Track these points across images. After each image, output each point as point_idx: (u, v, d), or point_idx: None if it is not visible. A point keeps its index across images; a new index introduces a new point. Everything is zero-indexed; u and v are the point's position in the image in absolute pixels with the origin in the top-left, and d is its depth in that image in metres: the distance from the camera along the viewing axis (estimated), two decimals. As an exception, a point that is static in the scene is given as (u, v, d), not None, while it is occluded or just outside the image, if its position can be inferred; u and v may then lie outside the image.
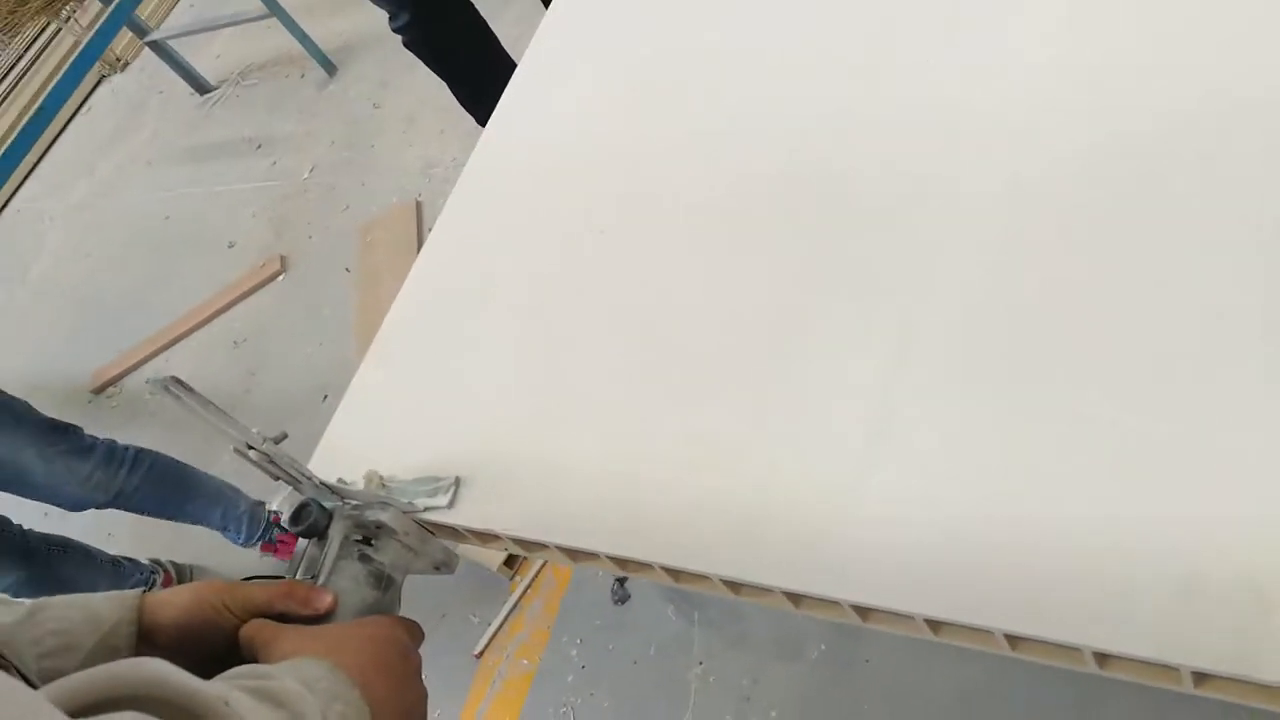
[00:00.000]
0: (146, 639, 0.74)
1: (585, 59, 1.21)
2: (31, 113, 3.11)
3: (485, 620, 2.11)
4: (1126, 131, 0.84)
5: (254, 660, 0.71)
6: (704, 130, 1.05)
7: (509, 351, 0.99)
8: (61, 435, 2.09)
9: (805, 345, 0.85)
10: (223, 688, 0.53)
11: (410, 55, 2.48)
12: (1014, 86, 0.91)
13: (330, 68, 3.69)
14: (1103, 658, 0.63)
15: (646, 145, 1.08)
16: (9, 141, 3.17)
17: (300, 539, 0.83)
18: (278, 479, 0.83)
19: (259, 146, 3.68)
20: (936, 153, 0.90)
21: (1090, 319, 0.75)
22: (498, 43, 2.53)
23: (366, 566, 0.82)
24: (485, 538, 0.89)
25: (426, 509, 0.89)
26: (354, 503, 0.85)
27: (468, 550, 2.12)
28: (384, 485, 0.92)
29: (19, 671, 0.61)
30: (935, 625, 0.69)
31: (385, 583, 0.83)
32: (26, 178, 4.38)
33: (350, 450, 0.99)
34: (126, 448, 2.18)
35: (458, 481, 0.90)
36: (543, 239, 1.07)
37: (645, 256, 0.98)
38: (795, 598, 0.73)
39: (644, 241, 0.99)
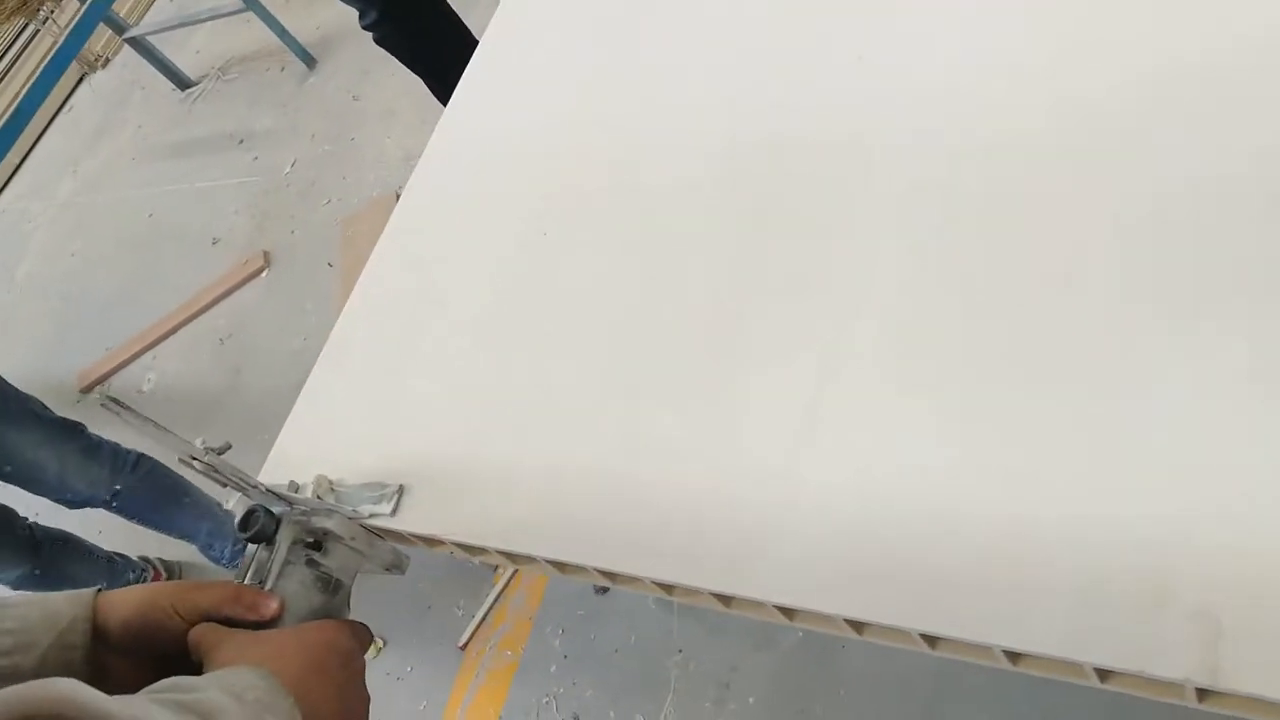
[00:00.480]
0: (100, 638, 0.75)
1: (531, 70, 1.22)
2: (9, 114, 3.11)
3: (470, 612, 2.13)
4: (1040, 121, 0.85)
5: (200, 664, 0.72)
6: (645, 134, 1.06)
7: (457, 355, 1.00)
8: (72, 433, 2.11)
9: (742, 346, 0.86)
10: (141, 704, 0.54)
11: (386, 49, 2.48)
12: (931, 85, 0.92)
13: (310, 60, 3.69)
14: (1014, 655, 0.64)
15: (591, 148, 1.09)
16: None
17: (249, 544, 0.84)
18: (225, 486, 0.84)
19: (241, 141, 3.68)
20: (864, 154, 0.91)
21: (1008, 318, 0.77)
22: (470, 36, 2.52)
23: (314, 571, 0.83)
24: (431, 542, 0.90)
25: (371, 515, 0.91)
26: (301, 509, 0.86)
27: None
28: (333, 490, 0.93)
29: None
30: (858, 626, 0.70)
31: (333, 586, 0.84)
32: (10, 179, 4.39)
33: (302, 454, 1.01)
34: (129, 451, 2.19)
35: (401, 490, 0.91)
36: (491, 239, 1.08)
37: (587, 259, 0.99)
38: (724, 599, 0.75)
39: (585, 244, 1.00)
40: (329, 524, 0.85)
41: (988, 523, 0.68)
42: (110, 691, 0.77)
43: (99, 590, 0.78)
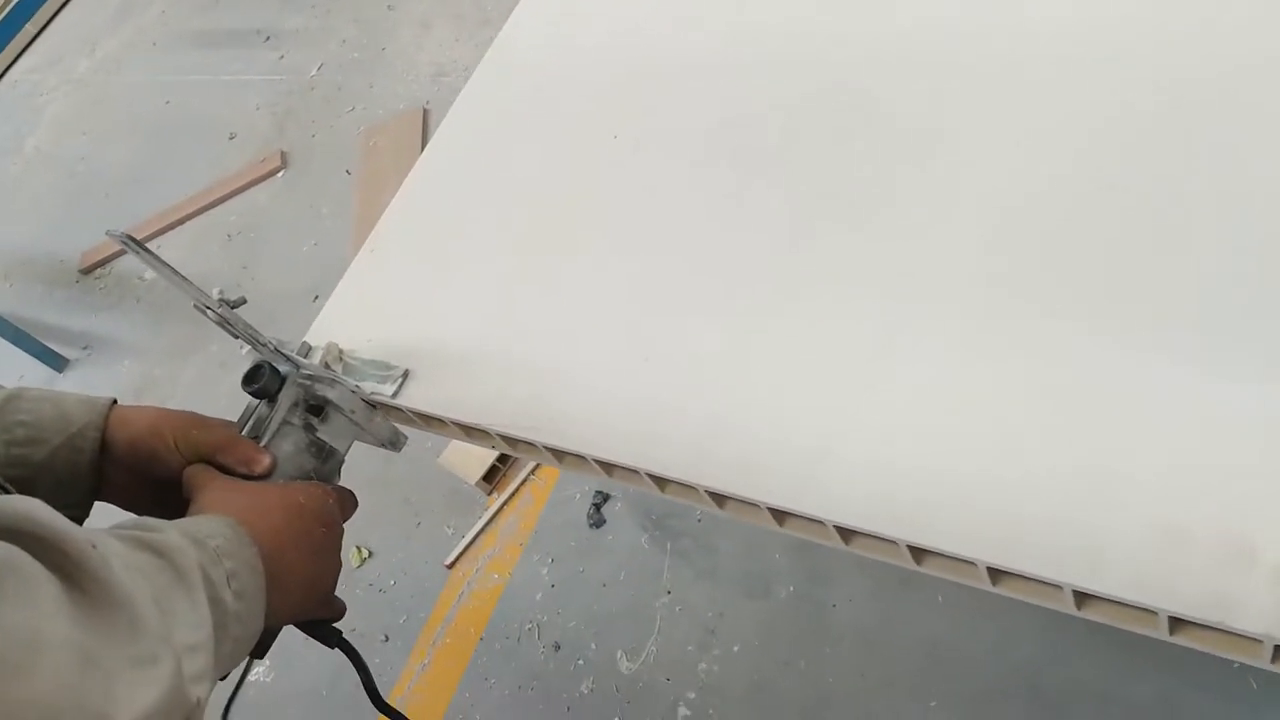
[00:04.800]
0: (106, 448, 0.78)
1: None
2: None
3: (460, 532, 2.12)
4: (1149, 80, 0.82)
5: (189, 498, 0.75)
6: (727, 47, 1.03)
7: (503, 251, 0.98)
8: None
9: (811, 268, 0.83)
10: (100, 535, 0.54)
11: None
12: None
13: (347, -37, 3.60)
14: (1082, 598, 0.63)
15: (668, 58, 1.06)
16: (10, 6, 3.09)
17: (251, 398, 0.86)
18: (236, 338, 0.85)
19: (268, 39, 3.60)
20: (955, 90, 0.89)
21: (1096, 269, 0.75)
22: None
23: (310, 436, 0.85)
24: (431, 421, 0.90)
25: (373, 393, 0.91)
26: (306, 372, 0.86)
27: (449, 462, 2.13)
28: (341, 359, 0.93)
29: None
30: (919, 554, 0.68)
31: (326, 453, 0.86)
32: (25, 50, 4.29)
33: (333, 323, 0.99)
34: None
35: (406, 374, 0.91)
36: (553, 142, 1.04)
37: (656, 170, 0.96)
38: (780, 515, 0.73)
39: (656, 154, 0.97)
40: (331, 393, 0.87)
41: (1065, 465, 0.66)
42: (110, 498, 0.81)
43: (114, 402, 0.80)
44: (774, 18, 1.02)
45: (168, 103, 3.61)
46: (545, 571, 2.02)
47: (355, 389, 0.90)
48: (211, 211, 3.14)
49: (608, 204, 0.96)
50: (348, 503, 0.84)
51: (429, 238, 1.03)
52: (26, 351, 2.85)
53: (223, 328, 0.84)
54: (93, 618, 0.48)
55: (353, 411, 0.88)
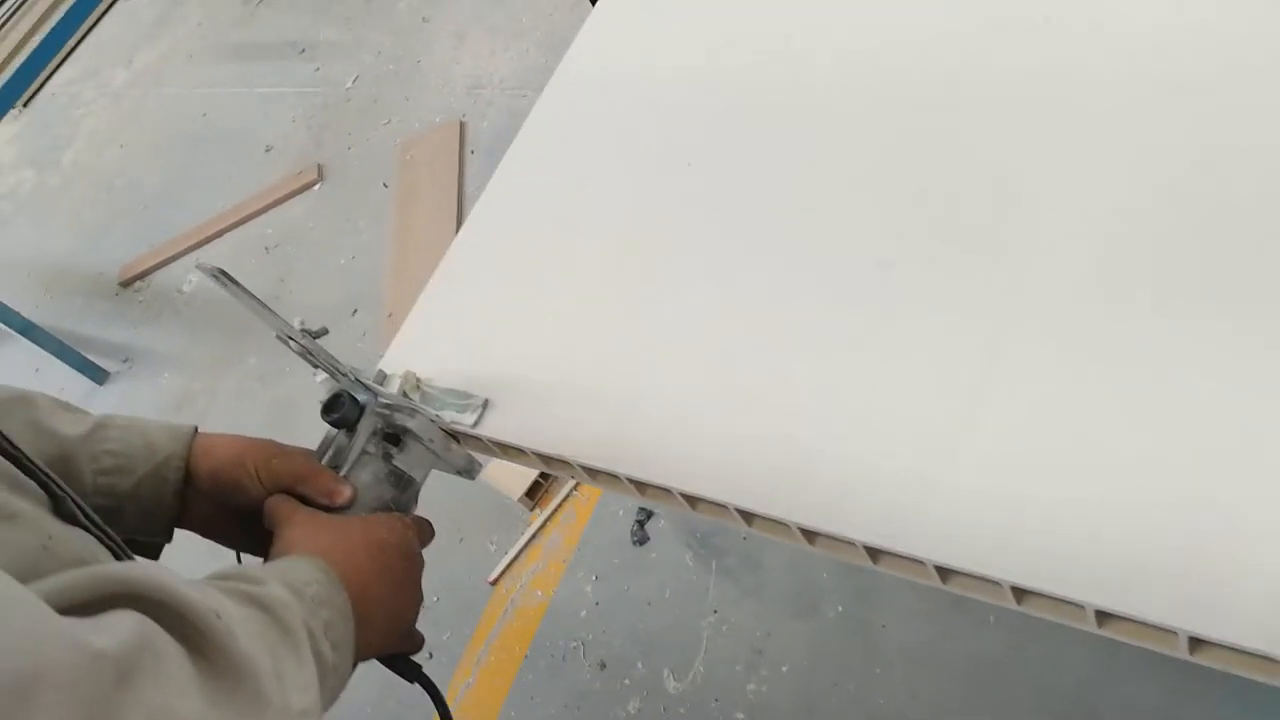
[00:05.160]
0: (189, 477, 0.79)
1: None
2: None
3: (503, 548, 2.12)
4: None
5: (271, 529, 0.75)
6: (812, 67, 1.01)
7: (578, 277, 0.97)
8: None
9: (902, 296, 0.82)
10: (215, 595, 0.53)
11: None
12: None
13: (382, -24, 3.62)
14: (1197, 644, 0.61)
15: (750, 81, 1.04)
16: (57, 17, 3.12)
17: (330, 428, 0.85)
18: (316, 368, 0.85)
19: (303, 51, 3.62)
20: (1045, 116, 0.87)
21: (1199, 302, 0.73)
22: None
23: (388, 465, 0.85)
24: (510, 451, 0.90)
25: (452, 422, 0.90)
26: (386, 402, 0.86)
27: (491, 478, 2.12)
28: (419, 388, 0.93)
29: (71, 498, 0.62)
30: (1020, 595, 0.67)
31: (404, 483, 0.86)
32: (63, 61, 4.33)
33: (408, 354, 0.99)
34: None
35: (486, 404, 0.91)
36: (627, 167, 1.04)
37: (736, 193, 0.95)
38: (875, 553, 0.72)
39: (736, 177, 0.96)
40: (411, 423, 0.86)
41: (1177, 506, 0.64)
42: (191, 527, 0.81)
43: (196, 430, 0.80)
44: (857, 45, 1.01)
45: (204, 115, 3.64)
46: (589, 589, 2.01)
47: (435, 418, 0.90)
48: (248, 224, 3.15)
49: (686, 230, 0.95)
50: (425, 532, 0.84)
51: (502, 263, 1.02)
52: (68, 364, 2.87)
53: (304, 358, 0.83)
54: (221, 692, 0.48)
55: (431, 441, 0.88)
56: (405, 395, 0.91)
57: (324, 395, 0.86)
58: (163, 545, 0.82)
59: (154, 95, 3.89)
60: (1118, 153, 0.83)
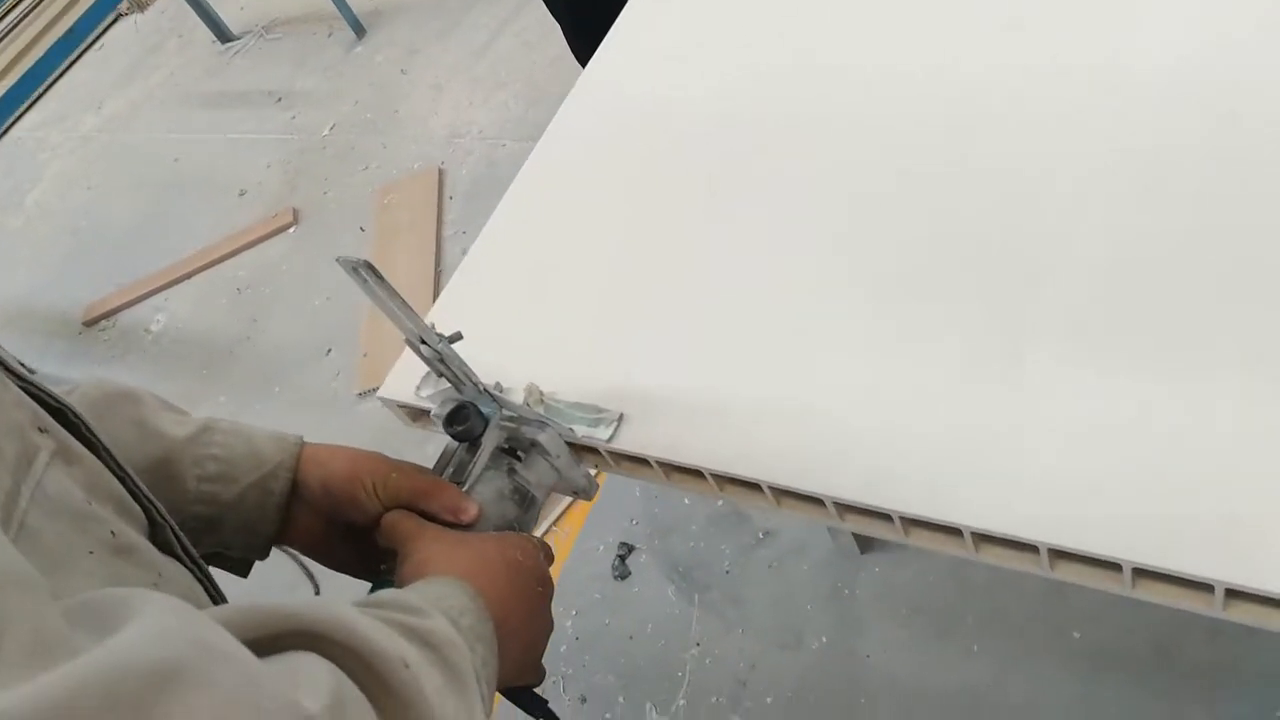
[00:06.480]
0: (296, 489, 0.74)
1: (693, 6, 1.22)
2: (59, 35, 3.06)
3: (481, 583, 2.09)
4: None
5: (389, 546, 0.70)
6: (824, 92, 1.06)
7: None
8: None
9: (929, 298, 0.86)
10: (394, 639, 0.48)
11: (443, 22, 2.43)
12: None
13: (359, 29, 3.68)
14: (1232, 599, 0.64)
15: (764, 106, 1.08)
16: (30, 62, 3.12)
17: (451, 440, 0.81)
18: (442, 376, 0.82)
19: (279, 100, 3.65)
20: (1073, 125, 0.92)
21: (1227, 298, 0.77)
22: None
23: (512, 481, 0.80)
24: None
25: (585, 436, 0.87)
26: (511, 414, 0.82)
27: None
28: (543, 402, 0.89)
29: (171, 528, 0.58)
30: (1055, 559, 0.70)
31: (528, 501, 0.80)
32: (29, 107, 4.31)
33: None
34: None
35: (621, 418, 0.87)
36: (643, 180, 1.07)
37: (758, 224, 0.98)
38: (909, 525, 0.74)
39: (758, 208, 1.00)
40: (540, 436, 0.82)
41: (1214, 477, 0.68)
42: (292, 542, 0.76)
43: (302, 440, 0.75)
44: (874, 60, 1.06)
45: (176, 160, 3.64)
46: (570, 624, 2.00)
47: (568, 432, 0.86)
48: (221, 266, 3.14)
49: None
50: (549, 555, 0.77)
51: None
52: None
53: (432, 364, 0.80)
54: None
55: (557, 457, 0.83)
56: (529, 407, 0.87)
57: (437, 407, 0.82)
58: (253, 563, 0.77)
59: (123, 140, 3.88)
60: (1132, 160, 0.88)
